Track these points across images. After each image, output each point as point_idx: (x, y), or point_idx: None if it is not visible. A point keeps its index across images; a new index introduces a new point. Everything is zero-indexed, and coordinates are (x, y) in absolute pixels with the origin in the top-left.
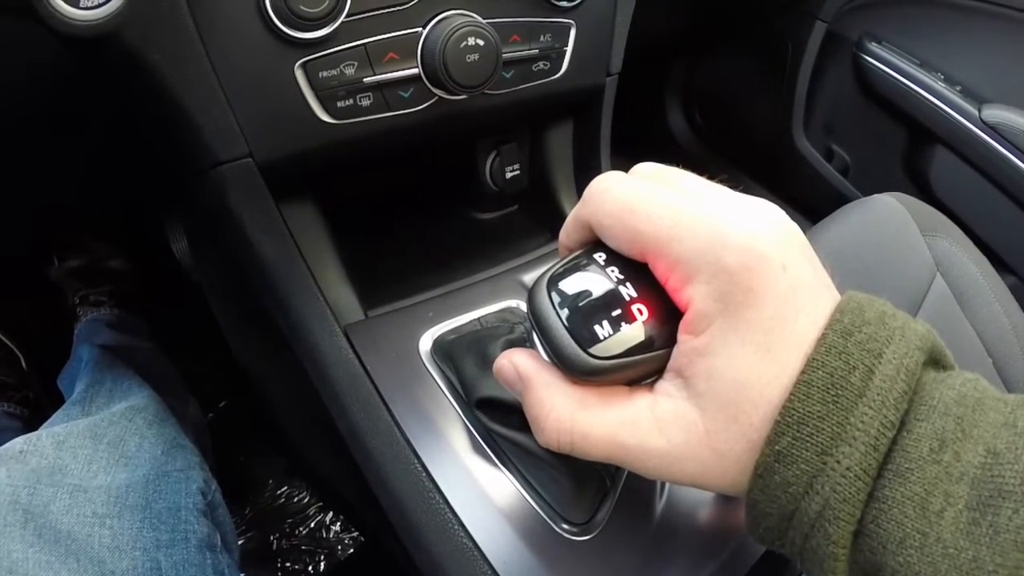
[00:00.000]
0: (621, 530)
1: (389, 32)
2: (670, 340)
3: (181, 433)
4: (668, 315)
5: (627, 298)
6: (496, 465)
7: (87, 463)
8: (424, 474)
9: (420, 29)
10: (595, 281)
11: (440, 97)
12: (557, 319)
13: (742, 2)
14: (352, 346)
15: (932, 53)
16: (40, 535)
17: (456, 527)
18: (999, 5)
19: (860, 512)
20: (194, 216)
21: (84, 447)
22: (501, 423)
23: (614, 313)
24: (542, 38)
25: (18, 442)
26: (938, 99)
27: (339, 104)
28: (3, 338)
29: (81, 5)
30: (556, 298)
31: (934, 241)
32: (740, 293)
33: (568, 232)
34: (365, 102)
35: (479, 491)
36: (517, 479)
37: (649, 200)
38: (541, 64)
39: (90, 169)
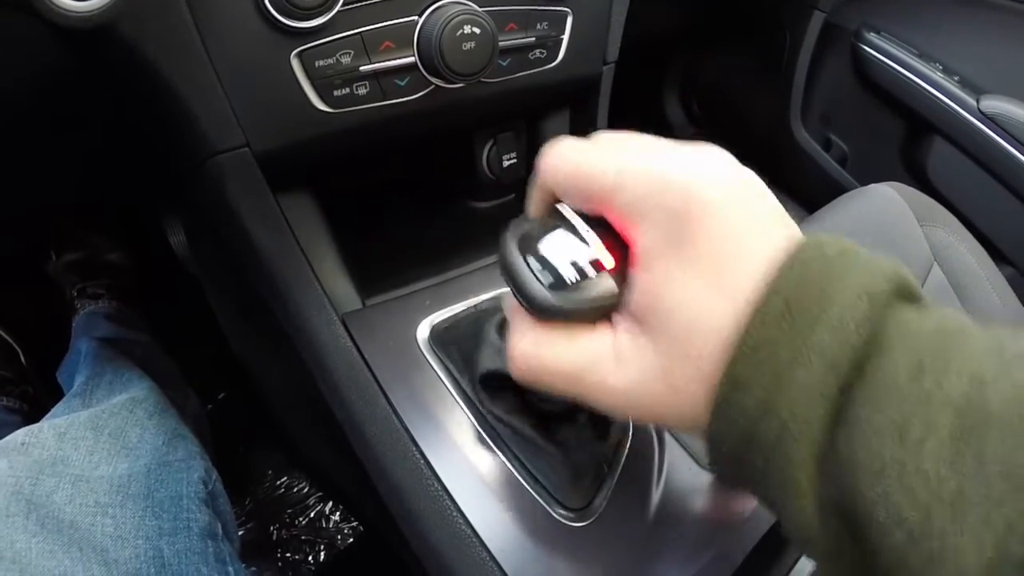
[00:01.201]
0: (618, 517)
1: (385, 20)
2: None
3: (182, 424)
4: (629, 257)
5: (590, 243)
6: (494, 452)
7: (89, 454)
8: (422, 461)
9: (416, 17)
10: (561, 233)
11: (437, 86)
12: (523, 264)
13: None
14: (350, 335)
15: (930, 44)
16: (43, 525)
17: (454, 514)
18: None
19: (822, 435)
20: (192, 208)
21: (85, 438)
22: (499, 406)
23: (578, 256)
24: (539, 26)
25: (20, 434)
26: (936, 89)
27: (336, 93)
28: (1, 333)
29: None
30: (523, 245)
31: (931, 231)
32: (684, 230)
33: (535, 203)
34: (362, 91)
35: (477, 478)
36: (515, 466)
37: (596, 158)
38: (538, 52)
39: (88, 165)
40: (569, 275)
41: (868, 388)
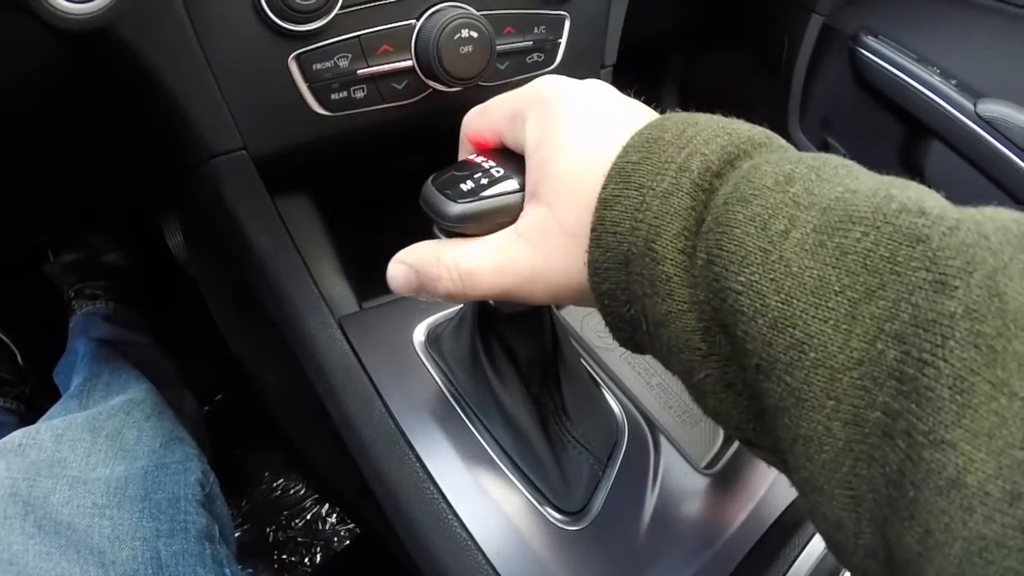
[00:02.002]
0: (614, 520)
1: (383, 24)
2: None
3: (179, 426)
4: (523, 169)
5: (487, 166)
6: (490, 455)
7: (86, 455)
8: (418, 464)
9: (414, 21)
10: (464, 165)
11: (434, 89)
12: (432, 187)
13: None
14: (347, 337)
15: (928, 47)
16: (40, 526)
17: (450, 517)
18: (996, 0)
19: (688, 229)
20: (189, 210)
21: (83, 440)
22: (508, 393)
23: (476, 174)
24: (536, 30)
25: (17, 435)
26: (934, 93)
27: (333, 96)
28: None
29: None
30: (435, 178)
31: None
32: (557, 110)
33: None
34: (359, 94)
35: (473, 481)
36: (511, 469)
37: (494, 100)
38: (535, 56)
39: (86, 166)
40: (469, 186)
41: (737, 191)
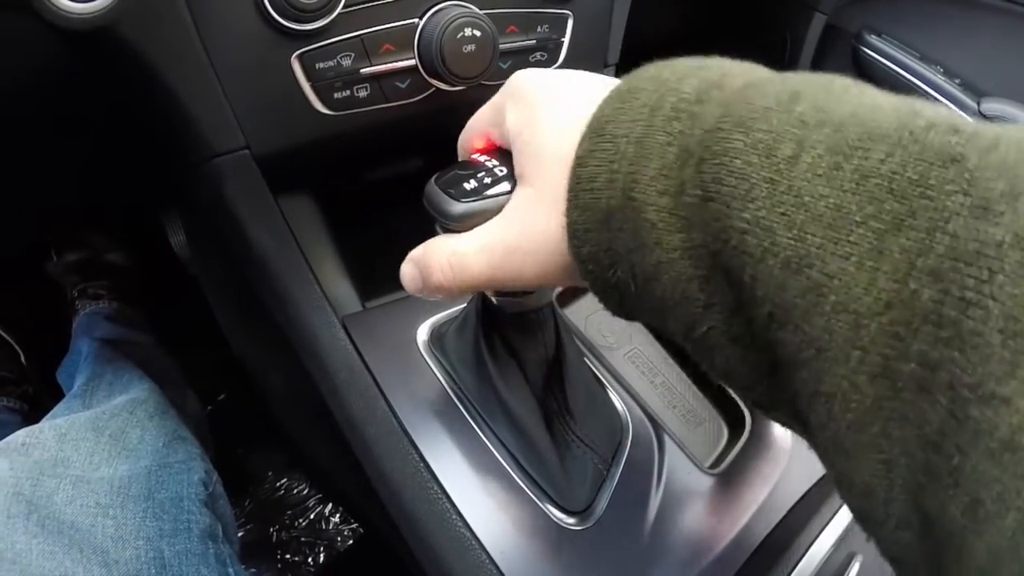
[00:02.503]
0: (618, 520)
1: (386, 23)
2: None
3: (182, 425)
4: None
5: (490, 164)
6: (493, 454)
7: (89, 455)
8: (422, 464)
9: (417, 20)
10: (466, 164)
11: (437, 88)
12: (435, 186)
13: None
14: (350, 337)
15: (931, 46)
16: (44, 526)
17: (454, 517)
18: None
19: (676, 169)
20: (192, 209)
21: (86, 439)
22: (513, 394)
23: (479, 173)
24: (539, 29)
25: (20, 435)
26: (937, 92)
27: (336, 95)
28: (2, 333)
29: None
30: (438, 177)
31: None
32: (534, 95)
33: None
34: (362, 93)
35: (477, 481)
36: (515, 469)
37: (478, 113)
38: (538, 55)
39: (88, 166)
40: (472, 185)
41: (726, 112)
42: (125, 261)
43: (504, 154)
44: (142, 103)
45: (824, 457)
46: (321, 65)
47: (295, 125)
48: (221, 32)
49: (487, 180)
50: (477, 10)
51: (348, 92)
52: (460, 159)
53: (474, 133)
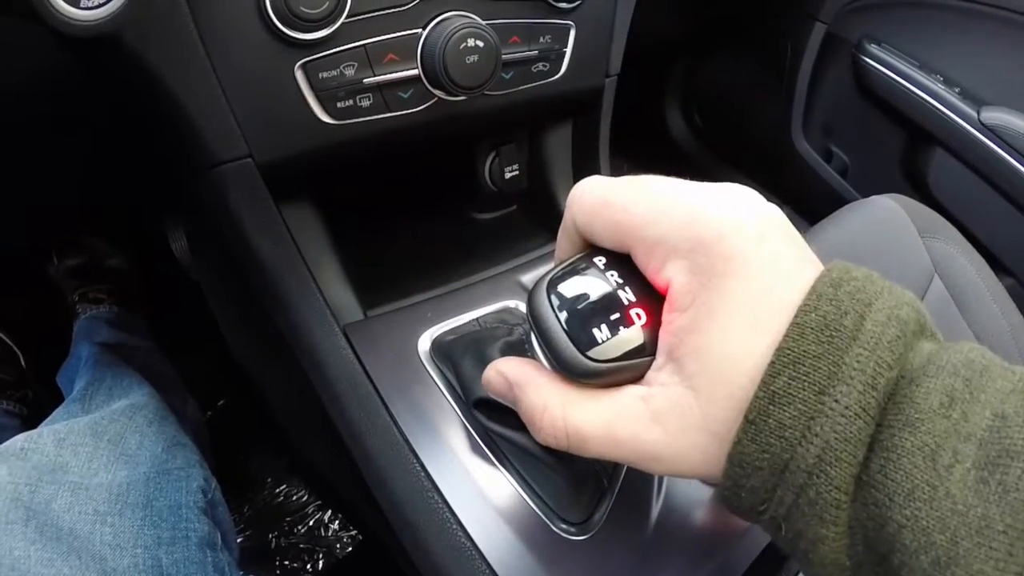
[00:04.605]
0: (618, 530)
1: (389, 33)
2: None
3: (181, 431)
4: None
5: (626, 302)
6: (494, 464)
7: (88, 461)
8: (423, 474)
9: (420, 30)
10: (594, 284)
11: (440, 98)
12: (556, 322)
13: (742, 4)
14: (351, 346)
15: (931, 55)
16: (42, 532)
17: (454, 526)
18: (998, 8)
19: (862, 455)
20: (194, 216)
21: (85, 445)
22: (499, 423)
23: (612, 316)
24: (542, 39)
25: (19, 439)
26: (937, 101)
27: (339, 105)
28: (2, 336)
29: (81, 5)
30: (555, 301)
31: (932, 243)
32: (720, 264)
33: (561, 246)
34: (365, 103)
35: (477, 491)
36: (515, 478)
37: (624, 192)
38: (540, 65)
39: (89, 170)
40: (604, 335)
41: (904, 413)
42: (126, 266)
43: (630, 268)
44: (145, 110)
45: None
46: (324, 75)
47: (298, 134)
48: (224, 41)
49: (614, 316)
50: (480, 20)
51: (351, 102)
52: (563, 242)
53: (606, 227)
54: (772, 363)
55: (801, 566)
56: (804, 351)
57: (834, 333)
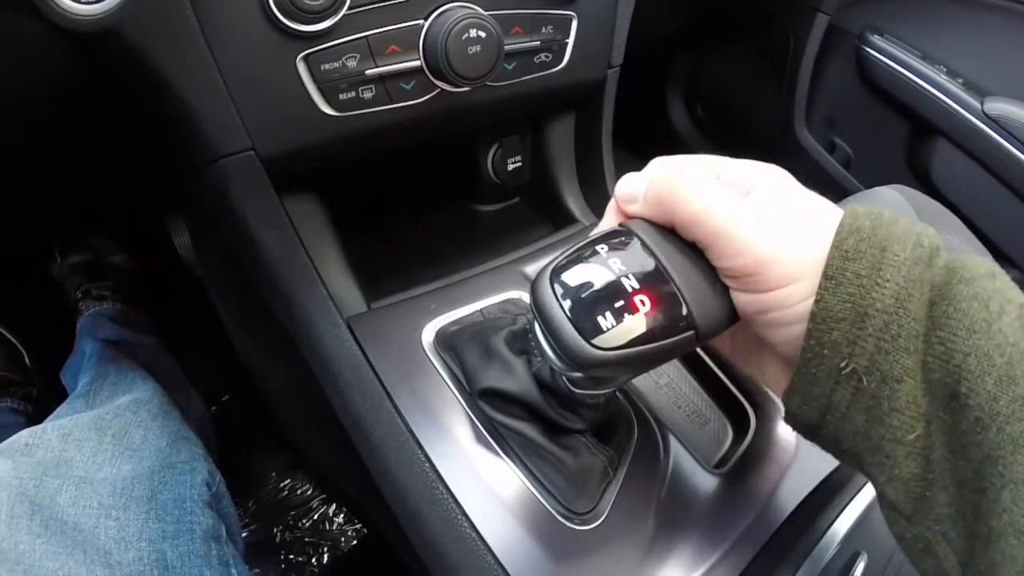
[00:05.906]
0: (623, 520)
1: (391, 24)
2: (671, 331)
3: (185, 426)
4: (670, 306)
5: (629, 289)
6: (499, 455)
7: (92, 455)
8: (427, 465)
9: (422, 21)
10: (598, 272)
11: (442, 89)
12: (560, 310)
13: None
14: (355, 338)
15: (934, 46)
16: (47, 526)
17: (459, 517)
18: None
19: (927, 295)
20: (196, 210)
21: (89, 439)
22: (504, 413)
23: (617, 304)
24: (544, 30)
25: (23, 435)
26: (940, 92)
27: (341, 97)
28: (6, 334)
29: (83, 0)
30: (559, 289)
31: None
32: (784, 196)
33: (607, 219)
34: (367, 94)
35: (482, 481)
36: (520, 469)
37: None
38: (543, 56)
39: (90, 166)
40: (608, 323)
41: (956, 275)
42: (128, 262)
43: (649, 271)
44: (147, 104)
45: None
46: (326, 66)
47: (300, 126)
48: (226, 34)
49: (618, 303)
50: (482, 11)
51: (353, 93)
52: (610, 216)
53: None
54: (838, 232)
55: (875, 436)
56: (859, 225)
57: (878, 219)
